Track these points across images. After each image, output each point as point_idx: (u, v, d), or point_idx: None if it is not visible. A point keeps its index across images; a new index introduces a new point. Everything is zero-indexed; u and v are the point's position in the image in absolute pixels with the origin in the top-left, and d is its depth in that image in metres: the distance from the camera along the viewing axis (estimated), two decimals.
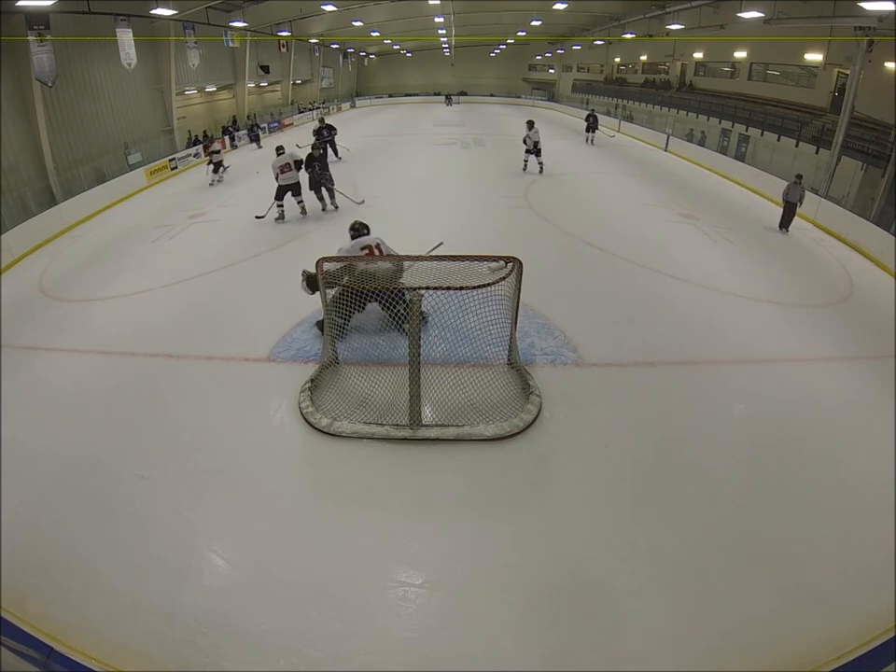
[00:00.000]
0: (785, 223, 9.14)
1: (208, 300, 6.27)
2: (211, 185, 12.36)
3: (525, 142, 12.10)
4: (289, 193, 8.80)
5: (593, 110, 19.26)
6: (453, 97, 33.63)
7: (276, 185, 8.72)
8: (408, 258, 4.56)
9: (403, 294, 4.48)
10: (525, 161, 12.30)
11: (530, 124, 12.12)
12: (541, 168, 12.12)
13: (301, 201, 9.00)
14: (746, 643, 2.61)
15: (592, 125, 17.17)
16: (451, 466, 3.69)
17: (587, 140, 17.35)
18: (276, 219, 8.89)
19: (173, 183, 13.23)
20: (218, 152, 12.79)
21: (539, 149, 11.98)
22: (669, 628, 2.68)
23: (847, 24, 11.25)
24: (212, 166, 12.58)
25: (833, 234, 9.21)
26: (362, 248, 5.24)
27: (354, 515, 3.33)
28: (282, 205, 8.87)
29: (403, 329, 4.72)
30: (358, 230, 5.53)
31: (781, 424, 4.17)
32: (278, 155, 8.82)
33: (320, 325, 5.12)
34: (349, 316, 4.70)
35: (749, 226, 9.38)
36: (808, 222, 9.87)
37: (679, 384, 4.66)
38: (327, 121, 14.88)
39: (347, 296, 4.44)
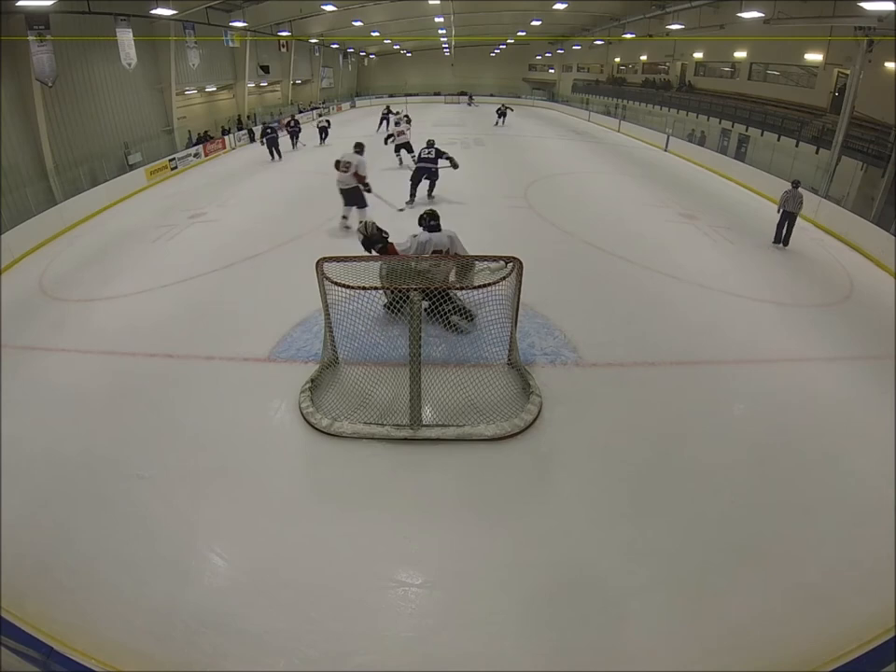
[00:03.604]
0: (785, 237, 8.19)
1: (208, 300, 6.27)
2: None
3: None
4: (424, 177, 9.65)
5: (503, 104, 23.16)
6: (474, 96, 32.69)
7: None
8: (408, 258, 4.57)
9: (448, 293, 4.44)
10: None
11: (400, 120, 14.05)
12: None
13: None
14: (746, 643, 2.61)
15: (502, 113, 22.05)
16: (451, 466, 3.69)
17: (496, 123, 22.01)
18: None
19: (173, 183, 13.23)
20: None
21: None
22: (669, 628, 2.68)
23: (847, 24, 11.26)
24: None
25: (833, 234, 9.22)
26: (434, 251, 5.02)
27: (354, 515, 3.33)
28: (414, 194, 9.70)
29: (451, 327, 4.89)
30: (428, 221, 5.27)
31: (781, 423, 4.17)
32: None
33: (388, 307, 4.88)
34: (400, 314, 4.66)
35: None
36: (808, 222, 9.88)
37: (678, 384, 4.66)
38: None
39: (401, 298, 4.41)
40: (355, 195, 7.94)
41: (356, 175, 7.77)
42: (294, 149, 16.70)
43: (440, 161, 9.38)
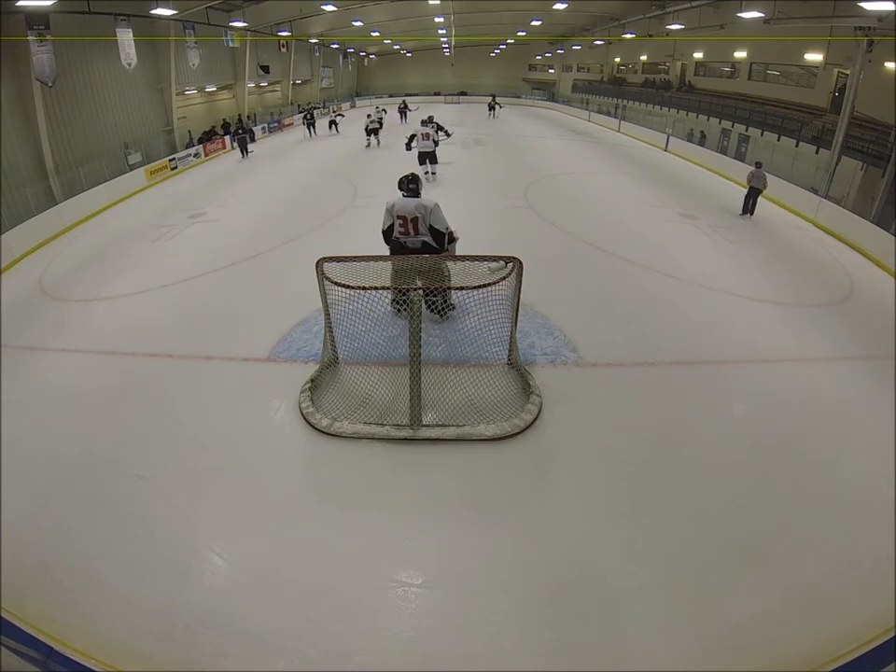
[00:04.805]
0: (751, 208, 9.83)
1: (208, 300, 6.27)
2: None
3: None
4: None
5: (494, 97, 26.18)
6: (496, 96, 26.61)
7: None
8: (407, 258, 4.56)
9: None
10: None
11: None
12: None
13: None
14: (746, 643, 2.61)
15: (492, 106, 25.14)
16: (451, 466, 3.69)
17: (489, 116, 24.97)
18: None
19: (173, 183, 13.23)
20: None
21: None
22: (669, 628, 2.68)
23: (847, 24, 11.26)
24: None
25: (833, 234, 9.21)
26: (397, 216, 4.75)
27: (354, 515, 3.33)
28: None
29: (436, 320, 4.99)
30: (406, 185, 4.90)
31: (781, 423, 4.17)
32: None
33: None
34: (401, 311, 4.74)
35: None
36: (808, 222, 9.88)
37: (678, 384, 4.66)
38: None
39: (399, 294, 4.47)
40: (433, 155, 11.08)
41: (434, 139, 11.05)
42: (311, 138, 19.43)
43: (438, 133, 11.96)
